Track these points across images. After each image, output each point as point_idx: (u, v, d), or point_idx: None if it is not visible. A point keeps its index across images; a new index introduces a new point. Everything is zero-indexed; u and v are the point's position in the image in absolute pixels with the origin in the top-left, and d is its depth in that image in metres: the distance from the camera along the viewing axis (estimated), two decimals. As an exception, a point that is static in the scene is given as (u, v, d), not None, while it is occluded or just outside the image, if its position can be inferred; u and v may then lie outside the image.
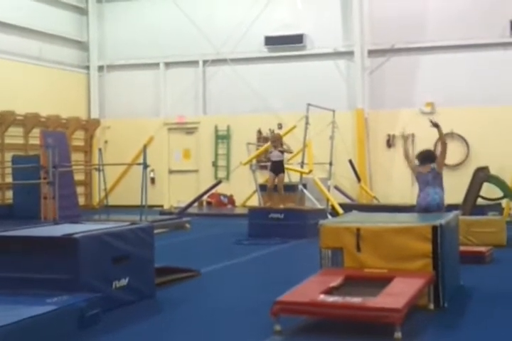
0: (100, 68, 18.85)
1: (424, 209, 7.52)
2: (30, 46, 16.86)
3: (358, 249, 5.75)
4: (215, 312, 5.65)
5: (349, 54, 16.75)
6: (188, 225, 12.66)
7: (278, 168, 11.45)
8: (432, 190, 7.57)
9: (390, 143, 16.53)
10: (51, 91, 17.20)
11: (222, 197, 17.25)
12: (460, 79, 15.88)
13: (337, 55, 17.00)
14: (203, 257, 8.76)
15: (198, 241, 11.00)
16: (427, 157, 7.79)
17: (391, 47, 16.48)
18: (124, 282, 5.72)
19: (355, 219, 6.26)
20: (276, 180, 11.51)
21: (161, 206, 17.27)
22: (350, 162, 15.70)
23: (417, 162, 7.95)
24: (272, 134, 13.27)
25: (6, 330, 4.06)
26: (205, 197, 16.61)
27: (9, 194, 15.59)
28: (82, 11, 18.77)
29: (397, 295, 4.86)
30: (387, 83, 16.62)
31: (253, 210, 11.93)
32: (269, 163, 12.21)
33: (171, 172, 18.40)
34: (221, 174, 17.74)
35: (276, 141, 11.67)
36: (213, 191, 16.29)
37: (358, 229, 5.76)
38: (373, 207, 12.18)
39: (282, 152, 11.59)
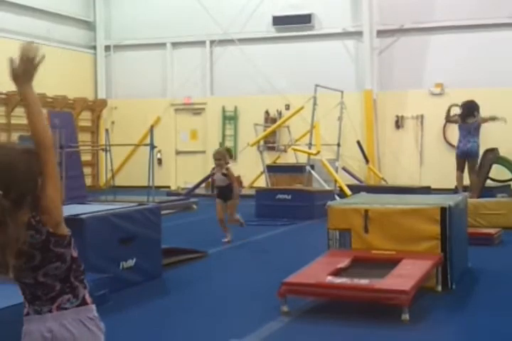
0: (107, 48, 18.74)
1: (466, 153, 8.94)
2: (37, 26, 16.75)
3: (366, 230, 5.72)
4: (222, 292, 5.65)
5: (358, 34, 16.57)
6: (195, 206, 12.66)
7: (225, 194, 8.43)
8: (472, 139, 8.94)
9: (398, 124, 16.42)
10: (58, 72, 17.09)
11: (229, 178, 17.20)
12: (470, 60, 15.70)
13: (345, 35, 16.83)
14: (210, 238, 8.75)
15: (205, 222, 10.97)
16: (472, 109, 9.14)
17: (400, 27, 16.29)
18: (131, 263, 5.72)
19: (363, 201, 6.22)
20: (227, 209, 8.51)
21: (168, 187, 17.26)
22: (359, 143, 15.62)
23: (459, 110, 9.19)
24: (216, 149, 9.31)
25: (14, 310, 4.06)
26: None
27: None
28: (89, -9, 18.65)
29: (405, 276, 4.84)
30: (396, 64, 16.46)
31: (260, 191, 11.93)
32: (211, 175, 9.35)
33: (178, 153, 18.36)
34: (228, 155, 17.67)
35: (222, 158, 8.40)
36: (220, 172, 16.24)
37: (366, 211, 5.74)
38: (381, 189, 12.08)
39: (226, 175, 8.37)
